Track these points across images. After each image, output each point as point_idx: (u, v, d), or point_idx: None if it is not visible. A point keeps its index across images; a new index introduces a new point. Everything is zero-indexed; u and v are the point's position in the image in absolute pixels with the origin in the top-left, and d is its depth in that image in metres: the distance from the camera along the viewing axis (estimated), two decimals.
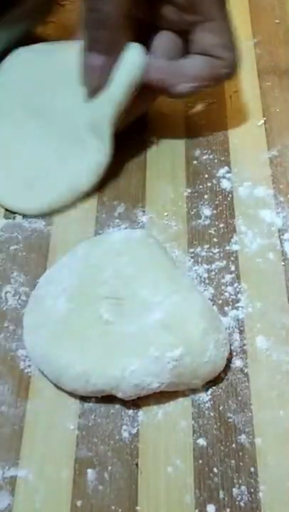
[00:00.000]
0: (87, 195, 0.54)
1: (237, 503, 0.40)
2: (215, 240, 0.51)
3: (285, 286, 0.48)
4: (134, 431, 0.42)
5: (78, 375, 0.42)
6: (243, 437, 0.42)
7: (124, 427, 0.42)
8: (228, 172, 0.55)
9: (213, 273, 0.49)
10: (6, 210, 0.53)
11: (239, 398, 0.43)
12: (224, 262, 0.50)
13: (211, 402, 0.43)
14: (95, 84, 0.51)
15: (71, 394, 0.43)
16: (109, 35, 0.49)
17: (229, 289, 0.48)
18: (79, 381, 0.42)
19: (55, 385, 0.44)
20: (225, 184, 0.55)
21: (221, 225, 0.52)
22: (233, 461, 0.41)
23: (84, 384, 0.42)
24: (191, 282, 0.48)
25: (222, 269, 0.49)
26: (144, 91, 0.52)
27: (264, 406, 0.43)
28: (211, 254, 0.50)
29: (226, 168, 0.56)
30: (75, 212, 0.53)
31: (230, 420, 0.43)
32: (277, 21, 0.67)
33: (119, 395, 0.42)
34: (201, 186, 0.55)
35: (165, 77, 0.51)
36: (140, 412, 0.43)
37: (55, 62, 0.55)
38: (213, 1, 0.49)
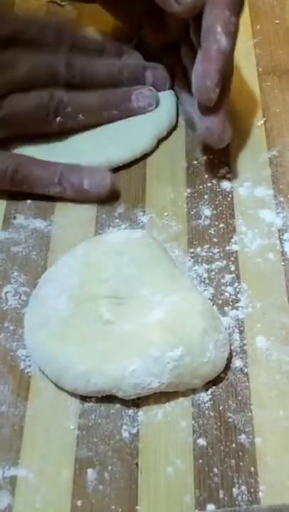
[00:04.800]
0: None
1: (237, 503, 0.40)
2: (215, 239, 0.51)
3: (285, 286, 0.48)
4: (134, 431, 0.42)
5: (79, 375, 0.42)
6: (243, 437, 0.42)
7: (124, 426, 0.42)
8: (228, 172, 0.55)
9: (213, 273, 0.49)
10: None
11: (239, 398, 0.43)
12: (224, 262, 0.50)
13: (211, 402, 0.43)
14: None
15: (71, 394, 0.43)
16: None
17: (229, 289, 0.48)
18: (79, 381, 0.42)
19: (55, 385, 0.44)
20: (225, 184, 0.55)
21: (221, 225, 0.52)
22: (233, 461, 0.41)
23: (84, 384, 0.42)
24: (191, 282, 0.48)
25: (222, 269, 0.49)
26: None
27: (264, 406, 0.43)
28: (211, 254, 0.50)
29: (226, 168, 0.56)
30: (75, 212, 0.53)
31: (230, 420, 0.42)
32: (277, 21, 0.67)
33: (120, 394, 0.42)
34: (201, 186, 0.55)
35: None
36: (140, 412, 0.43)
37: None
38: None
